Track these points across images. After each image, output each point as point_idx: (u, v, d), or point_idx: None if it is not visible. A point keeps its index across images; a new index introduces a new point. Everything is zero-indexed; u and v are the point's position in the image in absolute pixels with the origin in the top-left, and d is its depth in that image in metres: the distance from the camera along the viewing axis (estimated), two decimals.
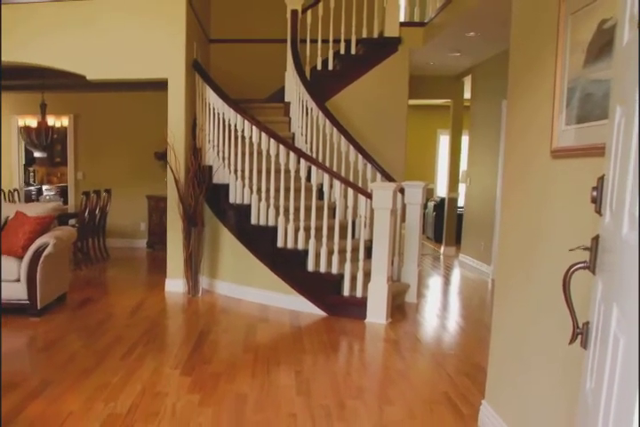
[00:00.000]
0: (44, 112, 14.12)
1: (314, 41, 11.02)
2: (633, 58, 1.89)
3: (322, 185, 9.17)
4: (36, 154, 18.94)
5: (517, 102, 4.64)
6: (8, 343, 7.15)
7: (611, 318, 2.02)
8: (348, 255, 8.48)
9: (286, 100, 11.22)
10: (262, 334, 7.74)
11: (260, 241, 9.36)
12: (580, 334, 2.43)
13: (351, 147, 9.87)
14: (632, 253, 1.74)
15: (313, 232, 8.83)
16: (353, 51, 11.21)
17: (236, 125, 9.57)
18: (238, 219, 9.64)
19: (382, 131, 11.23)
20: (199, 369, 6.26)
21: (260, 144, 9.33)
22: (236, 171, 9.69)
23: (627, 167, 1.90)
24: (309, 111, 10.42)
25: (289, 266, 9.05)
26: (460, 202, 15.03)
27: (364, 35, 11.16)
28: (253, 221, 9.41)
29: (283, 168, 9.14)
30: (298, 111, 10.75)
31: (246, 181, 9.53)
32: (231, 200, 9.74)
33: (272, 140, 9.21)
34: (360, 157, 9.85)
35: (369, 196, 8.47)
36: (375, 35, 11.22)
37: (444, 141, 19.13)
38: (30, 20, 9.73)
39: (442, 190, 18.33)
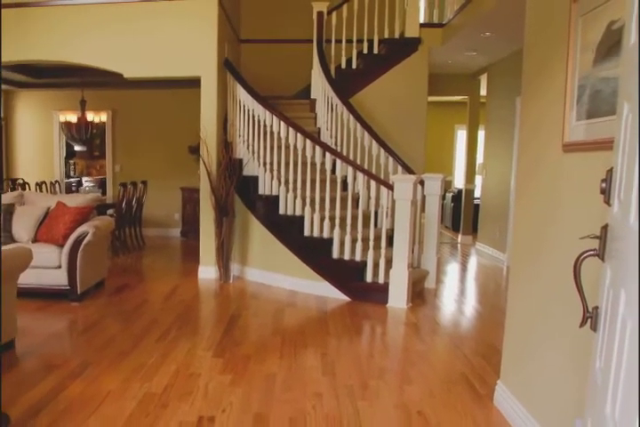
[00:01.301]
0: (83, 108, 14.20)
1: (338, 41, 11.03)
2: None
3: (346, 177, 9.18)
4: (76, 148, 19.02)
5: (531, 99, 4.64)
6: (50, 327, 7.25)
7: (619, 303, 2.04)
8: (371, 243, 8.49)
9: (312, 96, 11.24)
10: (290, 318, 7.75)
11: (287, 230, 9.39)
12: (590, 317, 2.45)
13: (374, 141, 9.88)
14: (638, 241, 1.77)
15: (338, 222, 8.84)
16: (375, 50, 11.21)
17: (265, 121, 9.60)
18: (267, 209, 9.65)
19: (403, 126, 11.22)
20: (230, 351, 6.28)
21: (287, 138, 9.34)
22: (264, 164, 9.72)
23: (634, 160, 1.93)
24: (334, 107, 10.44)
25: (315, 254, 9.08)
26: (477, 193, 14.97)
27: (386, 35, 11.14)
28: (281, 211, 9.44)
29: (309, 161, 9.18)
30: (323, 107, 10.76)
31: (275, 173, 9.56)
32: (260, 191, 9.77)
33: (299, 134, 9.23)
34: (382, 150, 9.86)
35: (390, 187, 8.48)
36: (396, 35, 11.20)
37: (461, 136, 19.06)
38: (70, 21, 9.78)
39: (459, 182, 18.24)
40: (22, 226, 8.83)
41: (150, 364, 5.81)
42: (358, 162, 9.72)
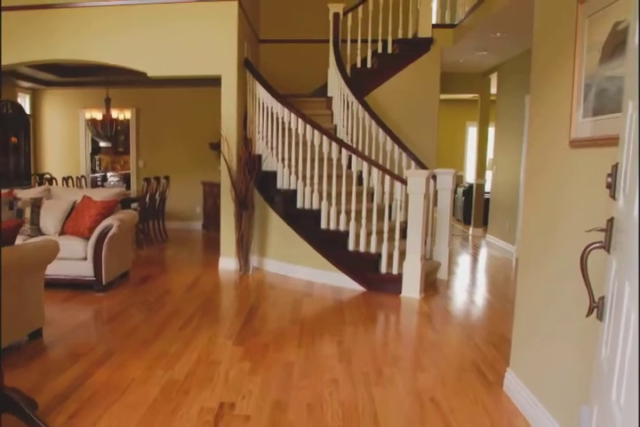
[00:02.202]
0: (108, 106, 14.25)
1: (354, 41, 11.04)
2: None
3: (361, 172, 9.15)
4: (102, 144, 19.00)
5: (539, 97, 4.64)
6: (76, 316, 7.29)
7: (624, 293, 2.05)
8: (385, 236, 8.52)
9: (329, 94, 11.26)
10: (307, 308, 7.76)
11: (305, 223, 9.40)
12: (596, 307, 2.45)
13: (388, 137, 9.89)
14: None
15: (353, 215, 8.85)
16: (389, 50, 11.20)
17: (283, 118, 9.62)
18: (285, 203, 9.67)
19: (416, 123, 11.23)
20: (250, 340, 6.29)
21: (304, 135, 9.36)
22: (283, 159, 9.75)
23: (638, 156, 1.93)
24: (350, 105, 10.44)
25: (331, 246, 9.09)
26: (487, 187, 14.96)
27: (400, 35, 11.13)
28: (299, 204, 9.47)
29: (326, 157, 9.19)
30: (339, 105, 10.76)
31: (292, 168, 9.58)
32: (279, 186, 9.79)
33: (316, 131, 9.24)
34: (396, 146, 9.87)
35: (404, 182, 8.48)
36: (410, 35, 11.23)
37: (472, 133, 19.01)
38: (96, 22, 9.80)
39: (470, 177, 18.23)
40: (49, 219, 8.86)
41: (173, 352, 5.84)
42: (373, 157, 9.71)
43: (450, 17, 11.42)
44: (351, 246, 8.89)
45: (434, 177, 9.13)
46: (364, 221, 8.74)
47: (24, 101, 15.85)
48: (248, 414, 4.44)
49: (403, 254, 8.46)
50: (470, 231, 15.19)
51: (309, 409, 4.54)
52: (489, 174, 14.77)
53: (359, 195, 9.01)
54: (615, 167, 2.38)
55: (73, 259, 8.23)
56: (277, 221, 9.79)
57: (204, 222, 15.14)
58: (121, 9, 9.77)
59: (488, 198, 14.50)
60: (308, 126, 9.30)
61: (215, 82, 9.96)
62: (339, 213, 9.05)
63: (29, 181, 14.70)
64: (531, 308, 4.62)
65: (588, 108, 3.64)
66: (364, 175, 9.06)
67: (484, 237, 14.43)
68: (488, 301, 8.42)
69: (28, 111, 15.75)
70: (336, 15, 11.10)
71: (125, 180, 18.40)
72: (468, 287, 9.30)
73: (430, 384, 5.14)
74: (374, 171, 8.81)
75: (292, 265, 9.58)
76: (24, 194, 9.24)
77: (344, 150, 9.09)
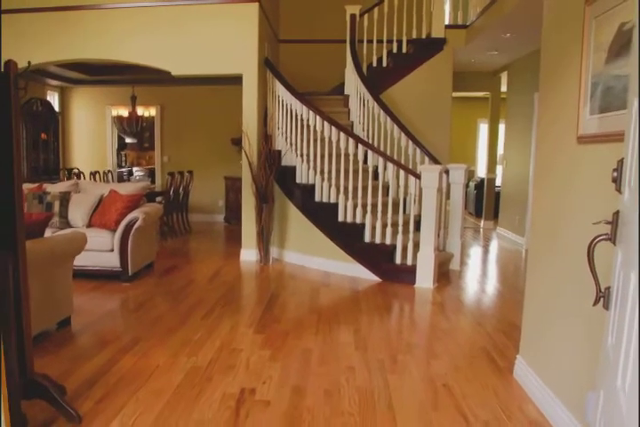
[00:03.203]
0: (134, 103, 14.32)
1: (370, 41, 11.07)
2: None
3: (377, 167, 9.15)
4: (127, 140, 19.03)
5: (548, 95, 4.63)
6: (103, 305, 7.33)
7: (629, 284, 2.06)
8: (400, 228, 8.51)
9: (346, 92, 11.26)
10: (325, 297, 7.78)
11: (323, 216, 9.40)
12: (603, 297, 2.46)
13: (402, 134, 9.89)
14: None
15: (369, 208, 8.85)
16: (404, 50, 11.20)
17: (302, 115, 9.63)
18: (304, 197, 9.68)
19: (429, 120, 11.23)
20: (270, 328, 6.32)
21: (322, 131, 9.37)
22: (302, 155, 9.75)
23: None
24: (366, 103, 10.45)
25: (348, 237, 9.09)
26: (498, 182, 14.91)
27: (414, 36, 11.15)
28: (317, 198, 9.47)
29: (343, 152, 9.19)
30: (356, 103, 10.77)
31: (311, 163, 9.59)
32: (298, 180, 9.79)
33: (333, 127, 9.24)
34: (410, 142, 9.87)
35: (418, 176, 8.49)
36: (423, 36, 11.20)
37: (483, 129, 18.95)
38: (123, 22, 9.84)
39: (481, 172, 18.21)
40: (77, 212, 8.92)
41: (196, 340, 5.87)
42: (388, 153, 9.72)
43: (462, 18, 11.38)
44: (367, 238, 8.89)
45: (447, 172, 9.15)
46: (379, 214, 8.74)
47: (53, 99, 15.91)
48: (268, 399, 4.47)
49: (417, 246, 8.46)
50: (481, 224, 15.17)
51: (327, 395, 4.56)
52: (499, 169, 14.74)
53: (375, 189, 9.01)
54: (621, 162, 2.39)
55: (100, 250, 8.28)
56: (296, 214, 9.82)
57: (226, 215, 15.15)
58: (146, 10, 9.79)
59: (499, 192, 14.47)
60: (326, 123, 9.30)
61: (236, 80, 9.99)
62: (355, 206, 9.06)
63: (58, 176, 14.79)
64: (540, 297, 4.62)
65: (595, 106, 3.64)
66: (380, 170, 9.06)
67: (494, 230, 14.39)
68: (498, 290, 8.42)
69: (57, 108, 15.80)
70: (353, 16, 11.12)
71: (150, 174, 18.52)
72: (480, 278, 9.29)
73: (443, 371, 5.15)
74: (389, 166, 8.82)
75: (311, 256, 9.61)
76: (53, 188, 9.28)
77: (360, 146, 9.09)
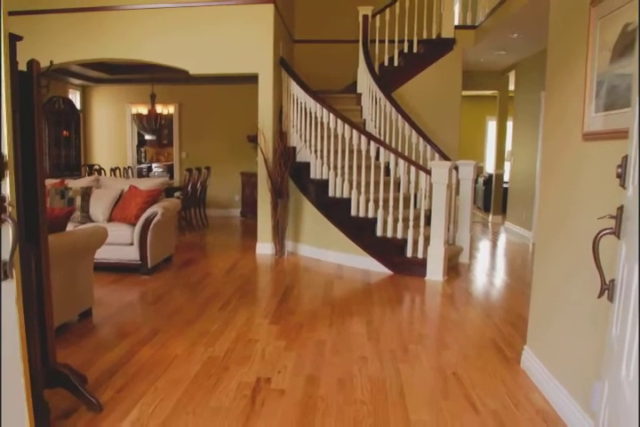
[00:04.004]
0: (153, 101, 14.33)
1: (382, 41, 11.07)
2: None
3: (388, 163, 9.18)
4: (147, 137, 19.11)
5: (554, 93, 4.63)
6: (123, 297, 7.36)
7: (632, 277, 2.07)
8: (411, 223, 8.51)
9: (358, 91, 11.25)
10: (338, 290, 7.78)
11: (336, 210, 9.40)
12: (607, 289, 2.46)
13: (413, 131, 9.90)
14: None
15: (381, 203, 8.84)
16: (415, 49, 11.22)
17: (316, 113, 9.64)
18: (318, 192, 9.68)
19: (439, 117, 11.24)
20: (285, 319, 6.33)
21: (336, 128, 9.37)
22: (315, 151, 9.77)
23: None
24: (378, 101, 10.47)
25: (361, 231, 9.10)
26: (506, 177, 14.89)
27: (425, 36, 11.13)
28: (330, 193, 9.48)
29: (355, 149, 9.18)
30: (368, 101, 10.80)
31: (325, 159, 9.59)
32: (312, 176, 9.80)
33: (346, 125, 9.23)
34: (421, 139, 9.87)
35: (428, 172, 8.50)
36: (434, 36, 11.20)
37: (491, 126, 18.89)
38: (142, 23, 9.87)
39: (490, 168, 18.15)
40: (98, 207, 8.95)
41: (213, 331, 5.89)
42: (399, 150, 9.74)
43: (471, 19, 11.39)
44: (379, 232, 8.90)
45: (456, 168, 9.13)
46: (391, 209, 8.73)
47: (75, 97, 15.98)
48: (283, 388, 4.49)
49: (427, 240, 8.48)
50: (490, 218, 15.15)
51: (340, 384, 4.58)
52: (507, 165, 14.74)
53: (387, 184, 9.05)
54: (625, 159, 2.39)
55: (120, 244, 8.31)
56: (310, 209, 9.83)
57: (242, 210, 15.18)
58: (165, 11, 9.81)
59: (506, 188, 14.46)
60: (339, 120, 9.30)
61: (252, 79, 10.00)
62: (367, 201, 9.06)
63: (79, 172, 14.85)
64: (546, 289, 4.63)
65: (600, 104, 3.65)
66: (391, 166, 9.07)
67: (502, 224, 14.37)
68: (506, 283, 8.41)
69: (78, 106, 15.86)
70: (365, 17, 11.13)
71: (169, 170, 18.56)
72: (488, 271, 9.29)
73: (453, 360, 5.16)
74: (400, 162, 8.80)
75: (324, 250, 9.63)
76: (75, 184, 9.31)
77: (372, 143, 9.08)
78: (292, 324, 6.17)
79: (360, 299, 7.32)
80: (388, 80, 10.92)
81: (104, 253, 7.62)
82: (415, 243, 8.61)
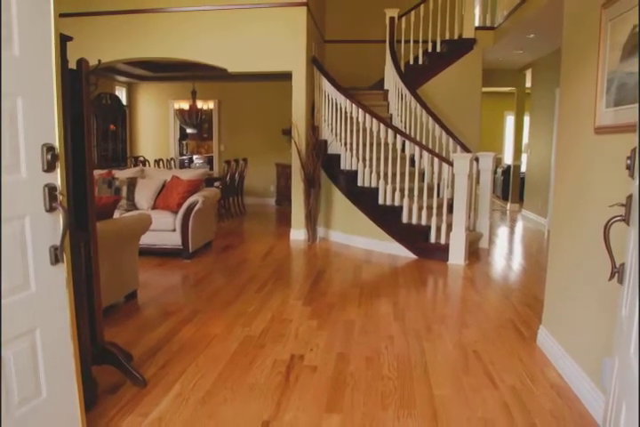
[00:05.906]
0: (194, 97, 14.36)
1: (407, 41, 11.05)
2: None
3: (413, 155, 9.16)
4: (188, 131, 19.18)
5: (568, 90, 4.62)
6: (166, 280, 7.43)
7: None
8: (434, 210, 8.52)
9: (385, 88, 11.24)
10: (366, 273, 7.80)
11: (364, 199, 9.41)
12: (617, 272, 2.47)
13: (436, 125, 9.87)
14: None
15: (406, 192, 8.85)
16: (438, 49, 11.18)
17: (345, 108, 9.64)
18: (347, 182, 9.69)
19: (461, 112, 11.20)
20: (317, 300, 6.36)
21: (364, 123, 9.36)
22: (345, 144, 9.77)
23: None
24: (404, 97, 10.45)
25: (387, 219, 9.10)
26: (523, 168, 14.82)
27: (447, 36, 11.10)
28: (359, 183, 9.48)
29: (382, 142, 9.19)
30: (395, 97, 10.78)
31: (354, 152, 9.58)
32: (342, 167, 9.80)
33: (374, 119, 9.24)
34: (443, 132, 9.84)
35: (450, 164, 8.50)
36: (456, 37, 11.14)
37: (509, 121, 18.78)
38: (185, 24, 9.91)
39: (508, 159, 18.04)
40: (143, 196, 9.04)
41: (250, 311, 5.92)
42: (423, 142, 9.71)
43: (490, 20, 11.34)
44: (405, 219, 8.90)
45: (476, 159, 9.11)
46: (415, 198, 8.77)
47: (121, 94, 16.08)
48: (315, 364, 4.53)
49: (449, 226, 8.47)
50: (508, 206, 15.08)
51: (368, 361, 4.62)
52: (524, 157, 14.68)
53: (412, 175, 9.09)
54: (633, 151, 2.40)
55: (164, 230, 8.37)
56: (341, 198, 9.84)
57: (277, 199, 15.22)
58: (206, 13, 9.85)
59: (523, 178, 14.39)
60: (368, 115, 9.30)
61: (286, 77, 10.04)
62: (394, 190, 9.06)
63: (126, 163, 14.97)
64: (561, 273, 4.63)
65: (611, 100, 3.64)
66: (416, 158, 9.07)
67: (519, 212, 14.31)
68: (523, 267, 8.39)
69: (124, 102, 15.98)
70: (392, 19, 11.10)
71: (209, 162, 18.68)
72: (506, 255, 9.27)
73: (473, 339, 5.18)
74: (425, 154, 8.80)
75: (354, 236, 9.64)
76: (121, 174, 9.42)
77: (399, 136, 9.08)
78: (323, 305, 6.20)
79: (387, 282, 7.34)
80: (413, 78, 10.89)
81: (148, 239, 7.70)
82: (438, 229, 8.61)
